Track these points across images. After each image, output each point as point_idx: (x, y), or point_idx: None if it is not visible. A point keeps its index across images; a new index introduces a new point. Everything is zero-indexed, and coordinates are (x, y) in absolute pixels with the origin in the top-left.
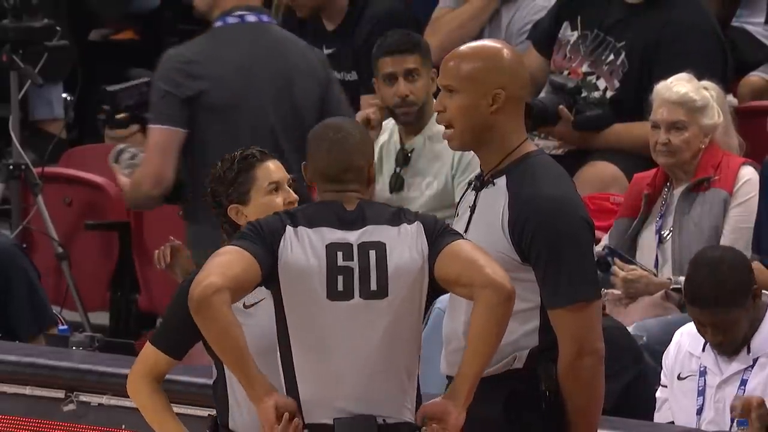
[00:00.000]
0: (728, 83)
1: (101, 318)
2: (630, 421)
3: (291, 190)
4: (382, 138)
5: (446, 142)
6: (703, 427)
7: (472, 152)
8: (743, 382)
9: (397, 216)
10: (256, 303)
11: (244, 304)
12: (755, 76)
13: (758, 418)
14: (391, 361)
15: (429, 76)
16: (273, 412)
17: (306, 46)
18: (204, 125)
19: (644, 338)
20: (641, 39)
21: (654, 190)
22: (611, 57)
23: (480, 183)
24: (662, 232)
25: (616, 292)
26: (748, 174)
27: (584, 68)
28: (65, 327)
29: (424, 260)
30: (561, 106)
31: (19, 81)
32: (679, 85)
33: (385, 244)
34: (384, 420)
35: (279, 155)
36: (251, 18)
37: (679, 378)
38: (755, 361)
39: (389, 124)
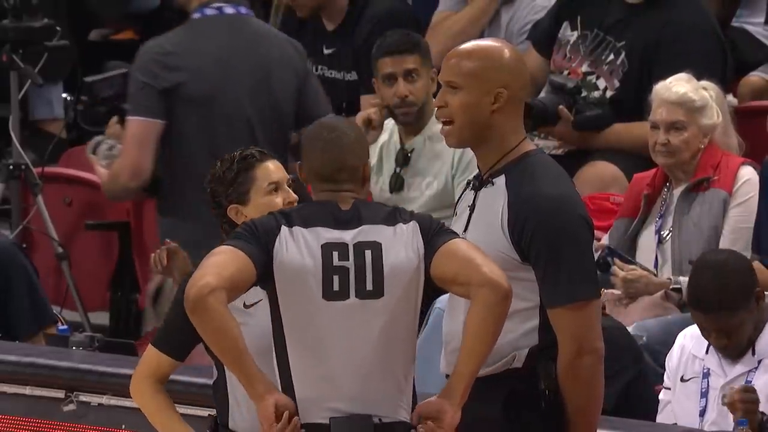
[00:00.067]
0: (728, 83)
1: (101, 318)
2: (630, 421)
3: (290, 191)
4: (382, 138)
5: (446, 141)
6: (705, 429)
7: (472, 152)
8: (747, 384)
9: (393, 215)
10: (255, 303)
11: (244, 304)
12: (755, 76)
13: (740, 401)
14: (386, 360)
15: (429, 77)
16: (273, 411)
17: (284, 38)
18: (182, 117)
19: (644, 338)
20: (641, 39)
21: (653, 190)
22: (611, 57)
23: (479, 182)
24: (662, 233)
25: (616, 292)
26: (748, 174)
27: (584, 68)
28: (65, 327)
29: (419, 260)
30: (561, 106)
31: (19, 81)
32: (678, 85)
33: (380, 244)
34: (380, 419)
35: (253, 146)
36: (229, 10)
37: (682, 380)
38: (760, 362)
39: (389, 124)
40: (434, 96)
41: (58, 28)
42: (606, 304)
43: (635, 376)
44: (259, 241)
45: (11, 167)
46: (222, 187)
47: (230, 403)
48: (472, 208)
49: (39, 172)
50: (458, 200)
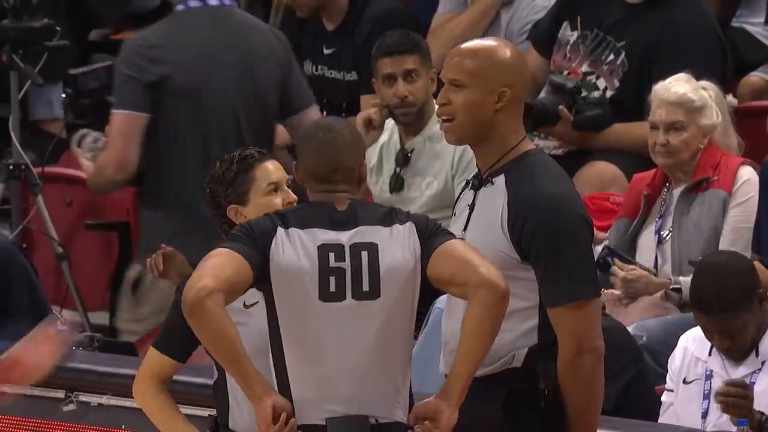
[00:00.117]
0: (728, 83)
1: (101, 318)
2: (630, 421)
3: (290, 191)
4: (382, 138)
5: (445, 142)
6: (707, 430)
7: (472, 152)
8: (751, 386)
9: (389, 216)
10: (255, 303)
11: (244, 304)
12: (755, 76)
13: (723, 393)
14: (383, 361)
15: (428, 77)
16: (270, 412)
17: (268, 29)
18: (168, 109)
19: (644, 338)
20: (641, 39)
21: (653, 190)
22: (611, 57)
23: (478, 182)
24: (661, 233)
25: (616, 292)
26: (747, 174)
27: (584, 68)
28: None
29: (416, 260)
30: (561, 106)
31: (19, 81)
32: (678, 85)
33: (377, 245)
34: (376, 420)
35: (238, 138)
36: (213, 1)
37: (684, 382)
38: (763, 363)
39: (389, 124)
40: (434, 96)
41: (58, 28)
42: (606, 304)
43: (635, 376)
44: (256, 243)
45: (11, 167)
46: (221, 187)
47: (230, 403)
48: (472, 207)
49: (39, 172)
50: (457, 199)
